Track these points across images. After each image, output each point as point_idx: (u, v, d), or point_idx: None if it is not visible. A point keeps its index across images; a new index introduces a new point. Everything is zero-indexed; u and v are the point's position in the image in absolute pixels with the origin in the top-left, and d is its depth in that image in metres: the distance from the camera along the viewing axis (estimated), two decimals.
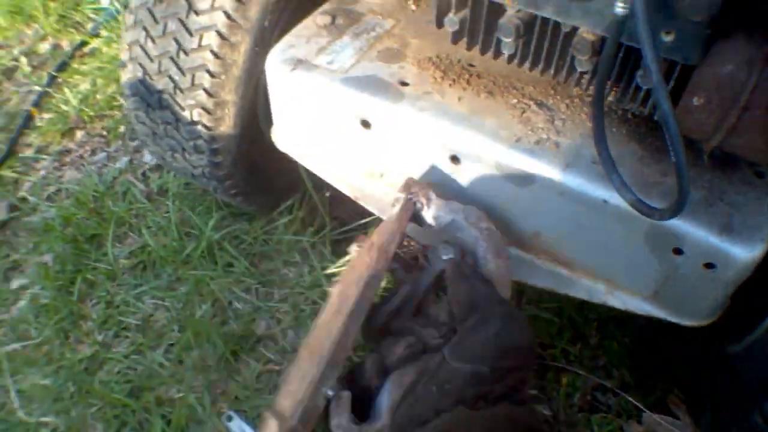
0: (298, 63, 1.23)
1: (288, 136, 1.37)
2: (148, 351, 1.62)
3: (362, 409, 0.94)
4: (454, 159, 1.15)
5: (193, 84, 1.31)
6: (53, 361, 1.67)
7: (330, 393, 0.94)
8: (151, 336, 1.63)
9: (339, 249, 1.68)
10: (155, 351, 1.62)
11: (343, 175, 1.32)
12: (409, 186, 1.15)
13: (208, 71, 1.29)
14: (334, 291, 1.07)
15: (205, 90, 1.30)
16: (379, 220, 1.25)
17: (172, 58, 1.31)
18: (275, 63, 1.25)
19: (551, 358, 1.51)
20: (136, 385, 1.60)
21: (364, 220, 1.68)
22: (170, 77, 1.32)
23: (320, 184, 1.64)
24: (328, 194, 1.68)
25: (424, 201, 1.13)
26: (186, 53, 1.29)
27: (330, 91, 1.20)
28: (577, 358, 1.50)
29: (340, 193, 1.33)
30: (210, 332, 1.58)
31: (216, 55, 1.28)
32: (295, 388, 0.94)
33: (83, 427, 1.59)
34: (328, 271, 1.63)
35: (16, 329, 1.74)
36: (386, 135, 1.20)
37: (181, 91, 1.32)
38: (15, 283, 1.81)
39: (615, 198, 1.01)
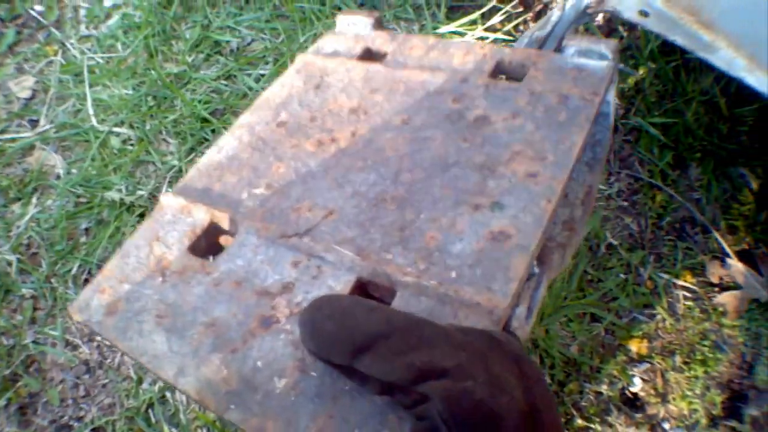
0: None
1: None
2: (239, 75, 1.53)
3: None
4: None
5: None
6: (136, 76, 1.59)
7: None
8: (243, 62, 1.54)
9: (453, 14, 1.56)
10: (246, 76, 1.52)
11: None
12: None
13: None
14: None
15: None
16: None
17: None
18: None
19: (649, 175, 1.37)
20: (219, 107, 1.51)
21: None
22: None
23: None
24: None
25: None
26: None
27: None
28: (674, 182, 1.37)
29: None
30: None
31: None
32: None
33: (156, 139, 1.51)
34: (439, 30, 1.51)
35: (103, 44, 1.66)
36: None
37: None
38: (108, 2, 1.73)
39: None
